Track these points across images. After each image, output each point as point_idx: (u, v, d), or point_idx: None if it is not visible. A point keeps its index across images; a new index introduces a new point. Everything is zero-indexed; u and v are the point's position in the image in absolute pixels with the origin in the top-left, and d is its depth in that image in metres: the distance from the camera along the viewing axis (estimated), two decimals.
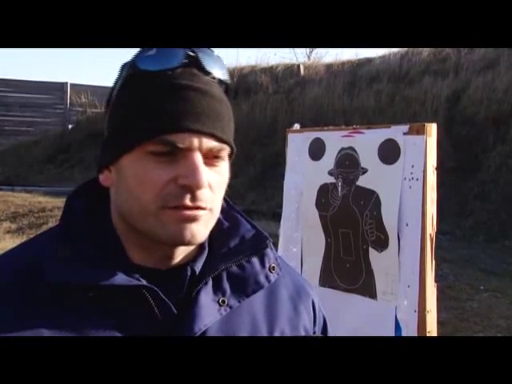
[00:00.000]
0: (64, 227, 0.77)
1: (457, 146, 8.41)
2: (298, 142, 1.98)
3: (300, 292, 0.87)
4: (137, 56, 0.74)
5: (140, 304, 0.73)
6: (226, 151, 0.75)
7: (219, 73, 0.76)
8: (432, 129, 1.64)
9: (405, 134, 1.66)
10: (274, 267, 0.82)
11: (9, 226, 7.53)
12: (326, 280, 1.89)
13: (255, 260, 0.81)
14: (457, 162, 8.22)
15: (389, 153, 1.70)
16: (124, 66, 0.76)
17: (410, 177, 1.65)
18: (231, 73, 11.89)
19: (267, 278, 0.81)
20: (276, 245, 2.13)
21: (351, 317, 1.82)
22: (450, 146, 8.41)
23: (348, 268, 1.83)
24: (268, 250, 0.83)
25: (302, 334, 0.84)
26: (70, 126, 14.19)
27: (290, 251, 2.02)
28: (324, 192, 1.88)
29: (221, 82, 0.76)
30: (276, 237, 2.15)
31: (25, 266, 0.74)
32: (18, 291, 0.72)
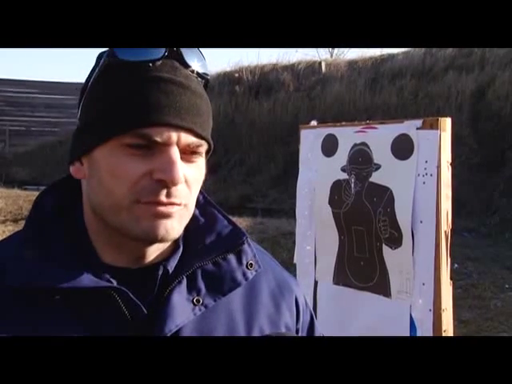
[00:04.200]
0: (30, 226, 0.75)
1: (482, 142, 8.26)
2: (310, 138, 1.96)
3: (282, 288, 0.84)
4: None
5: (109, 306, 0.71)
6: (203, 147, 0.73)
7: (199, 66, 0.74)
8: (446, 123, 1.60)
9: (418, 128, 1.63)
10: (251, 264, 0.79)
11: None
12: (340, 278, 1.87)
13: (231, 257, 0.79)
14: (482, 159, 8.08)
15: (402, 148, 1.66)
16: (101, 56, 0.73)
17: (424, 172, 1.61)
18: (252, 71, 11.88)
19: (244, 275, 0.79)
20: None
21: (365, 315, 1.79)
22: (475, 142, 8.27)
23: (362, 266, 1.80)
24: (245, 247, 0.80)
25: (283, 331, 0.81)
26: None
27: (304, 249, 2.00)
28: (337, 189, 1.86)
29: (201, 76, 0.75)
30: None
31: None
32: None
